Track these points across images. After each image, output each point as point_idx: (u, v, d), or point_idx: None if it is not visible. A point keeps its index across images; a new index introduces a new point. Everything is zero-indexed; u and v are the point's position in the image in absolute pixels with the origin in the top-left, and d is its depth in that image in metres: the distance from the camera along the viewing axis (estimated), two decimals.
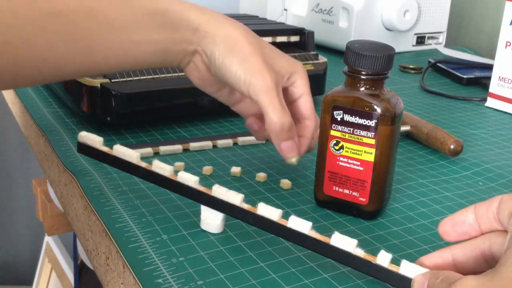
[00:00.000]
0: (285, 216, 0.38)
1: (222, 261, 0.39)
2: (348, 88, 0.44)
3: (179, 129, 0.62)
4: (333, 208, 0.46)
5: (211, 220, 0.41)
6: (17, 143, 1.65)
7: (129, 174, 0.45)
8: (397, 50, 0.54)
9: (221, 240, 0.41)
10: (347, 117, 0.43)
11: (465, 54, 1.00)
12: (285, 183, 0.50)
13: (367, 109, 0.42)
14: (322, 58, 0.73)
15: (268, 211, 0.38)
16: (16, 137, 1.62)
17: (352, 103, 0.43)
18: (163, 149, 0.55)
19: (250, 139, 0.59)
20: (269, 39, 0.73)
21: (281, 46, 0.74)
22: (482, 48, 1.16)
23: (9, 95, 0.79)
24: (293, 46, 0.75)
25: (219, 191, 0.40)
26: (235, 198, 0.40)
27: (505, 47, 0.75)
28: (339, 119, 0.44)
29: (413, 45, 1.09)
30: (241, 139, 0.59)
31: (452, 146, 0.57)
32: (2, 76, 0.40)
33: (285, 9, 1.11)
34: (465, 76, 0.88)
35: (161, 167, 0.42)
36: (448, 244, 0.35)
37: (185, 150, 0.57)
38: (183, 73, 0.50)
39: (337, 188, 0.45)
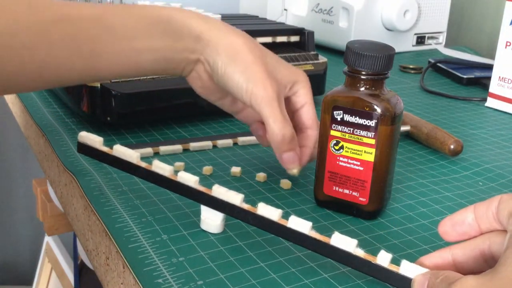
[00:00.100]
0: (285, 216, 0.38)
1: (222, 261, 0.39)
2: (348, 88, 0.44)
3: (179, 129, 0.62)
4: (333, 208, 0.46)
5: (211, 220, 0.42)
6: (17, 143, 1.65)
7: (129, 174, 0.45)
8: (397, 50, 0.54)
9: (221, 240, 0.41)
10: (347, 117, 0.43)
11: (465, 54, 1.00)
12: (285, 183, 0.50)
13: (367, 109, 0.42)
14: (322, 58, 0.73)
15: (268, 211, 0.38)
16: (16, 137, 1.62)
17: (352, 103, 0.43)
18: (163, 149, 0.55)
19: (250, 139, 0.59)
20: (269, 39, 0.73)
21: (281, 46, 0.74)
22: (482, 48, 1.16)
23: (9, 95, 0.79)
24: (293, 46, 0.75)
25: (219, 191, 0.40)
26: (235, 198, 0.40)
27: (505, 47, 0.75)
28: (339, 119, 0.44)
29: (413, 45, 1.09)
30: (241, 139, 0.59)
31: (452, 146, 0.57)
32: (4, 80, 0.40)
33: (285, 9, 1.11)
34: (465, 76, 0.88)
35: (161, 167, 0.42)
36: (448, 244, 0.35)
37: (185, 150, 0.57)
38: None
39: (337, 188, 0.45)
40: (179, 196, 0.44)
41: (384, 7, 1.01)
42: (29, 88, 0.44)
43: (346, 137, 0.44)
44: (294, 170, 0.46)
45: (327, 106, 0.44)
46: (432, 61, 0.96)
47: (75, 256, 1.03)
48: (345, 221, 0.45)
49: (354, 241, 0.36)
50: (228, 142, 0.58)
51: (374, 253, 0.36)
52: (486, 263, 0.34)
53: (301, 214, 0.44)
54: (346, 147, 0.44)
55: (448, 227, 0.35)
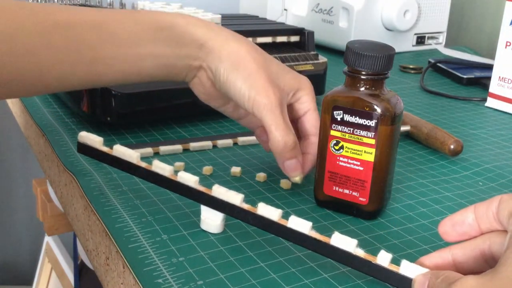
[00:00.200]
0: (285, 216, 0.38)
1: (222, 261, 0.39)
2: (348, 88, 0.44)
3: (179, 129, 0.62)
4: (333, 208, 0.46)
5: (211, 220, 0.41)
6: (17, 143, 1.65)
7: (129, 174, 0.45)
8: (397, 50, 0.54)
9: (221, 240, 0.41)
10: (347, 117, 0.43)
11: (465, 54, 1.00)
12: (285, 183, 0.50)
13: (367, 109, 0.42)
14: (322, 58, 0.73)
15: (268, 211, 0.38)
16: (16, 137, 1.62)
17: (352, 103, 0.43)
18: (163, 149, 0.55)
19: (250, 139, 0.59)
20: (269, 39, 0.73)
21: (281, 46, 0.74)
22: (482, 48, 1.16)
23: None
24: (293, 46, 0.75)
25: (219, 191, 0.40)
26: (235, 198, 0.40)
27: (505, 47, 0.75)
28: (339, 119, 0.44)
29: (413, 45, 1.09)
30: (241, 139, 0.59)
31: (452, 146, 0.57)
32: (6, 85, 0.40)
33: (285, 9, 1.11)
34: (465, 76, 0.88)
35: (161, 167, 0.42)
36: (448, 244, 0.35)
37: (185, 150, 0.57)
38: None
39: (337, 188, 0.45)
40: (179, 196, 0.44)
41: (384, 7, 1.01)
42: (30, 93, 0.44)
43: (346, 137, 0.44)
44: (297, 178, 0.46)
45: (327, 106, 0.44)
46: (432, 61, 0.96)
47: (75, 256, 1.03)
48: (345, 221, 0.45)
49: (354, 241, 0.36)
50: (228, 142, 0.58)
51: (374, 253, 0.36)
52: (486, 263, 0.34)
53: (301, 214, 0.44)
54: (346, 147, 0.44)
55: (448, 227, 0.35)
